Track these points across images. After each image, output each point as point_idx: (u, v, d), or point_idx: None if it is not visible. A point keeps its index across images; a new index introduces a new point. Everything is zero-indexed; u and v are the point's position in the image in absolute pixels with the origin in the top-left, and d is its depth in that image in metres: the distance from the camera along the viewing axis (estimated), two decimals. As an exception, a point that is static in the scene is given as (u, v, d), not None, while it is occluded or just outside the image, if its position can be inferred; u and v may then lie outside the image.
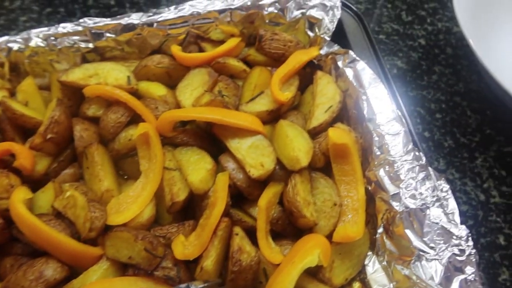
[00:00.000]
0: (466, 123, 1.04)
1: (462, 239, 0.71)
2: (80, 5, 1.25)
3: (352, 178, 0.84)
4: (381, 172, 0.81)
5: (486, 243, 0.89)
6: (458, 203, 0.94)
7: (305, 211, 0.80)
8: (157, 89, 0.96)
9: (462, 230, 0.71)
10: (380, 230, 0.80)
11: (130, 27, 0.98)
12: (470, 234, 0.71)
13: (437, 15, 1.25)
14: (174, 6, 0.99)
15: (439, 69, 1.13)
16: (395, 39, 1.20)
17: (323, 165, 0.88)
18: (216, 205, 0.79)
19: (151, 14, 0.98)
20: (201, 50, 1.05)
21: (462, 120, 1.05)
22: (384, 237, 0.79)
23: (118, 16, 0.97)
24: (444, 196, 0.75)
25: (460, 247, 0.70)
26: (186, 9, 0.99)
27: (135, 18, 0.97)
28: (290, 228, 0.85)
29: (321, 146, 0.86)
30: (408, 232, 0.74)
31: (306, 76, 1.02)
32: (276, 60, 1.01)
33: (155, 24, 0.97)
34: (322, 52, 0.99)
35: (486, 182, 0.96)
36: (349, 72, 0.93)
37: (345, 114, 0.95)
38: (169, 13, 0.98)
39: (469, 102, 1.07)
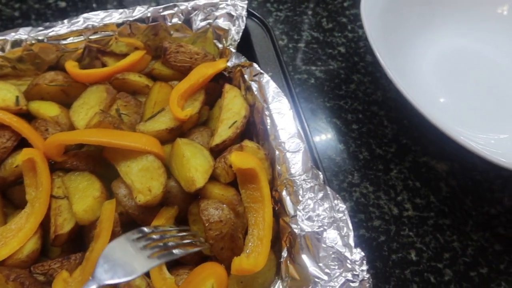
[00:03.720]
0: (382, 134, 1.01)
1: (356, 263, 0.67)
2: (-20, 18, 1.17)
3: (261, 205, 0.78)
4: (284, 192, 0.77)
5: (398, 259, 0.86)
6: (371, 218, 0.92)
7: (204, 250, 0.76)
8: (48, 109, 0.89)
9: (356, 254, 0.68)
10: (285, 253, 0.75)
11: (18, 43, 0.90)
12: (364, 258, 0.67)
13: (358, 21, 1.22)
14: (67, 20, 0.92)
15: (357, 78, 1.11)
16: (314, 48, 1.16)
17: (234, 179, 0.83)
18: (100, 237, 0.73)
19: (41, 28, 0.91)
20: (104, 65, 0.99)
21: (379, 130, 1.02)
22: (288, 262, 0.74)
23: (4, 32, 0.90)
24: (340, 217, 0.71)
25: (354, 272, 0.66)
26: (80, 22, 0.92)
27: (23, 33, 0.90)
28: (190, 255, 0.79)
29: (227, 160, 0.81)
30: (305, 257, 0.70)
31: (218, 89, 0.97)
32: (184, 74, 0.95)
33: (45, 39, 0.90)
34: (230, 64, 0.94)
35: (400, 194, 0.93)
36: (254, 86, 0.88)
37: (254, 129, 0.91)
38: (61, 27, 0.91)
39: (387, 112, 1.05)
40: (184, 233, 0.75)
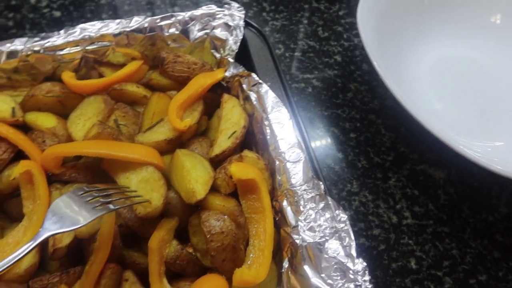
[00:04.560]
0: (380, 142, 1.02)
1: (359, 273, 0.67)
2: (-26, 27, 1.15)
3: (261, 215, 0.78)
4: (285, 203, 0.77)
5: (398, 267, 0.86)
6: (370, 227, 0.92)
7: (204, 261, 0.78)
8: (45, 121, 0.88)
9: (358, 264, 0.67)
10: (286, 264, 0.75)
11: (14, 54, 0.89)
12: (366, 268, 0.67)
13: (353, 30, 1.23)
14: (64, 30, 0.91)
15: (354, 86, 1.11)
16: (311, 56, 1.17)
17: (235, 189, 0.82)
18: (100, 250, 0.72)
19: (37, 38, 0.90)
20: (101, 75, 0.98)
21: (377, 138, 1.02)
22: (289, 272, 0.74)
23: (0, 42, 0.89)
24: (342, 227, 0.71)
25: (357, 283, 0.66)
26: (77, 33, 0.91)
27: (18, 44, 0.89)
28: (190, 267, 0.79)
29: (227, 171, 0.81)
30: (307, 268, 0.69)
31: (216, 99, 0.97)
32: (182, 84, 0.95)
33: (41, 50, 0.89)
34: (228, 74, 0.94)
35: (398, 203, 0.93)
36: (252, 96, 0.89)
37: (253, 139, 0.91)
38: (58, 38, 0.90)
39: (384, 120, 1.05)
40: (125, 190, 0.76)
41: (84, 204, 0.69)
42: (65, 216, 0.67)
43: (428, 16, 1.09)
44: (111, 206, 0.70)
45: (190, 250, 0.80)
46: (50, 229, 0.65)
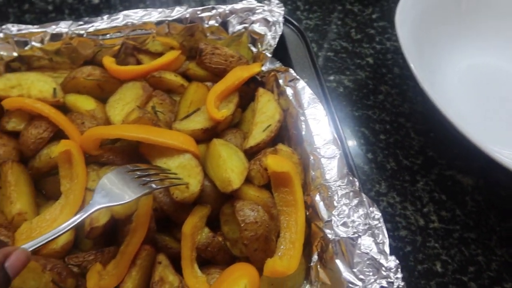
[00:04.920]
0: (409, 145, 1.02)
1: (391, 270, 0.67)
2: (15, 9, 1.18)
3: (293, 208, 0.79)
4: (317, 197, 0.77)
5: (423, 270, 0.86)
6: (397, 228, 0.92)
7: (234, 250, 0.79)
8: (85, 103, 0.90)
9: (391, 261, 0.68)
10: (315, 258, 0.76)
11: (58, 36, 0.91)
12: (399, 266, 0.67)
13: (386, 34, 1.24)
14: (107, 16, 0.93)
15: (385, 89, 1.12)
16: (343, 57, 1.18)
17: (268, 181, 0.83)
18: (137, 231, 0.73)
19: (81, 22, 0.92)
20: (139, 62, 1.00)
21: (406, 142, 1.03)
22: (318, 266, 0.75)
23: (45, 24, 0.91)
24: (375, 225, 0.72)
25: (389, 280, 0.67)
26: (120, 19, 0.93)
27: (63, 26, 0.91)
28: (221, 255, 0.80)
29: (262, 163, 0.82)
30: (339, 262, 0.70)
31: (249, 92, 0.98)
32: (218, 75, 0.97)
33: (85, 34, 0.91)
34: (264, 68, 0.95)
35: (426, 206, 0.94)
36: (289, 91, 0.90)
37: (286, 134, 0.92)
38: (101, 23, 0.92)
39: (414, 124, 1.06)
40: (166, 172, 0.78)
41: (129, 182, 0.72)
42: (111, 192, 0.70)
43: (464, 23, 1.10)
44: (154, 185, 0.72)
45: (220, 239, 0.82)
46: (100, 202, 0.69)
